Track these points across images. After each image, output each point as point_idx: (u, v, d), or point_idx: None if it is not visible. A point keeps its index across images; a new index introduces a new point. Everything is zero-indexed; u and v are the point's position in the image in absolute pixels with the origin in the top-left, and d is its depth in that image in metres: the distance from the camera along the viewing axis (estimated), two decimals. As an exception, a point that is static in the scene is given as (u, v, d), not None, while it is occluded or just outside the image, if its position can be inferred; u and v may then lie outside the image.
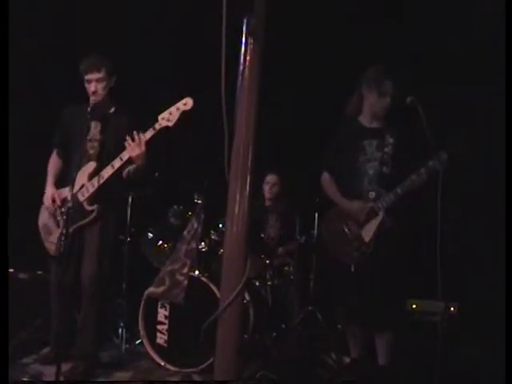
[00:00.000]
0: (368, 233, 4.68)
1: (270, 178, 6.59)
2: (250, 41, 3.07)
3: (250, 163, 3.00)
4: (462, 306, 5.67)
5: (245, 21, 3.08)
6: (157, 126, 4.50)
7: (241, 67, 3.08)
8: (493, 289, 5.88)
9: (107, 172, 4.60)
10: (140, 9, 6.31)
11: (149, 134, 4.53)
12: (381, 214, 4.66)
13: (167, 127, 4.49)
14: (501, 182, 5.07)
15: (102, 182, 4.60)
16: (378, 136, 4.79)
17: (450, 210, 4.38)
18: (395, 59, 5.60)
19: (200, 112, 4.54)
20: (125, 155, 4.55)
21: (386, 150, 4.75)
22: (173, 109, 4.49)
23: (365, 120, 4.88)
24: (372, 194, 4.71)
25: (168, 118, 4.46)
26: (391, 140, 4.77)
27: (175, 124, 4.47)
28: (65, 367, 4.31)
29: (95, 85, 4.63)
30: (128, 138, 4.50)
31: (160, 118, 4.50)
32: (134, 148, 4.50)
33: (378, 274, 4.59)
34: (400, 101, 4.45)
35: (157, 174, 5.61)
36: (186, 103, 4.47)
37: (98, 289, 4.65)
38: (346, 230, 4.76)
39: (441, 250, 4.08)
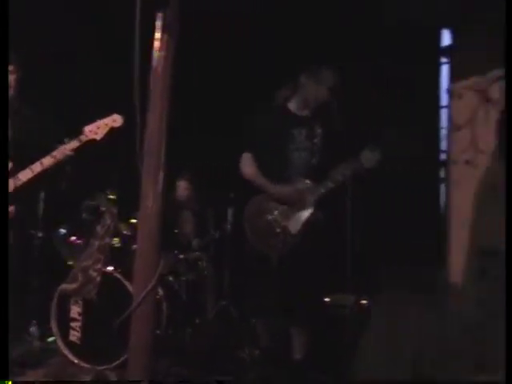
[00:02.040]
0: (295, 225, 4.63)
1: (181, 184, 6.56)
2: (164, 36, 3.07)
3: (162, 159, 3.00)
4: (372, 298, 5.78)
5: (159, 16, 3.08)
6: (83, 138, 4.47)
7: (154, 63, 3.08)
8: (402, 281, 6.04)
9: (26, 175, 4.51)
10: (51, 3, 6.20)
11: (73, 145, 4.49)
12: (310, 207, 4.64)
13: (94, 140, 4.47)
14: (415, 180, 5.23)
15: (19, 184, 4.51)
16: (308, 125, 4.76)
17: (363, 205, 4.47)
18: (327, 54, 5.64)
19: (114, 105, 4.52)
20: (47, 161, 4.48)
21: (316, 140, 4.75)
22: (101, 123, 4.47)
23: (295, 108, 4.81)
24: (301, 185, 4.67)
25: (95, 131, 4.44)
26: (320, 130, 4.76)
27: (102, 139, 4.45)
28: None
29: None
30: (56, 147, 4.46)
31: (87, 130, 4.46)
32: (55, 157, 4.46)
33: (302, 268, 4.58)
34: (336, 93, 4.50)
35: (69, 169, 5.52)
36: (116, 120, 4.47)
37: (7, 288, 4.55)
38: (272, 220, 4.68)
39: (351, 243, 4.17)
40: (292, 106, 4.81)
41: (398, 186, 6.14)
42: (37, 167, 4.49)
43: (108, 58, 6.22)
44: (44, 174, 4.55)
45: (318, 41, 6.10)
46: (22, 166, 4.52)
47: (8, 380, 3.22)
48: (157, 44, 3.08)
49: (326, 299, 5.75)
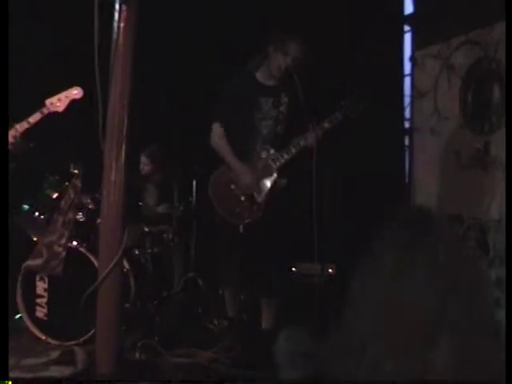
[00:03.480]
0: (260, 193, 4.64)
1: (141, 159, 6.51)
2: (124, 7, 3.04)
3: (125, 132, 2.98)
4: (339, 266, 5.82)
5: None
6: (45, 111, 4.52)
7: (115, 35, 3.04)
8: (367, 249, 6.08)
9: None
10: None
11: (36, 117, 4.51)
12: (274, 174, 4.64)
13: (56, 113, 4.49)
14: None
15: None
16: (274, 94, 4.76)
17: (327, 171, 4.48)
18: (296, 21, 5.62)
19: (76, 78, 4.53)
20: (11, 133, 4.49)
21: (282, 108, 4.75)
22: (62, 96, 4.51)
23: (262, 77, 4.81)
24: (265, 154, 4.69)
25: (57, 103, 4.51)
26: (286, 99, 4.75)
27: (64, 110, 4.49)
28: None
29: None
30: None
31: (48, 102, 4.50)
32: (18, 130, 4.50)
33: (269, 237, 4.60)
34: (300, 63, 4.51)
35: (32, 145, 5.49)
36: (77, 92, 4.52)
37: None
38: (237, 190, 4.68)
39: (317, 212, 4.18)
40: (259, 75, 4.82)
41: (363, 154, 6.16)
42: None
43: (69, 32, 6.12)
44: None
45: (282, 8, 6.07)
46: None
47: (8, 380, 3.19)
48: (116, 15, 3.05)
49: (293, 269, 5.79)
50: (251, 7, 6.24)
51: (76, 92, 4.51)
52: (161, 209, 6.41)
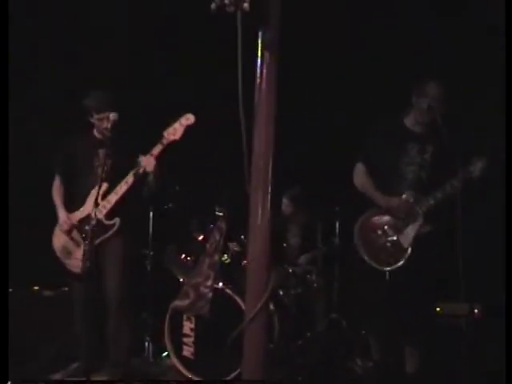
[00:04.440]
0: (407, 239, 4.64)
1: (283, 201, 6.60)
2: (266, 54, 3.11)
3: (270, 174, 3.03)
4: (485, 308, 5.65)
5: (260, 34, 3.12)
6: (164, 141, 4.81)
7: (257, 80, 3.11)
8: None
9: (121, 188, 4.84)
10: (148, 25, 6.37)
11: (157, 149, 4.82)
12: (420, 219, 4.64)
13: (174, 141, 4.80)
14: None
15: (118, 197, 4.83)
16: (420, 141, 4.79)
17: (475, 212, 4.39)
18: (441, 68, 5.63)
19: (219, 124, 4.70)
20: (138, 170, 4.82)
21: (426, 156, 4.78)
22: (176, 125, 4.81)
23: (409, 123, 4.86)
24: (411, 198, 4.69)
25: (173, 133, 4.79)
26: (431, 148, 4.77)
27: (181, 138, 4.78)
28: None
29: (107, 123, 4.85)
30: (141, 156, 4.82)
31: (165, 133, 4.81)
32: (146, 161, 4.80)
33: (415, 282, 4.58)
34: (441, 103, 4.51)
35: (177, 188, 5.70)
36: (188, 118, 4.81)
37: (125, 298, 4.80)
38: (383, 235, 4.73)
39: (464, 251, 4.09)
40: (407, 121, 4.84)
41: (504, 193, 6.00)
42: (130, 179, 4.84)
43: (212, 77, 6.33)
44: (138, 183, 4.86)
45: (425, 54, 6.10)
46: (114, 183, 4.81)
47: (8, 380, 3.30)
48: (259, 61, 3.12)
49: (438, 309, 5.66)
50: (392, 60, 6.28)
51: (189, 119, 4.80)
52: (303, 257, 6.45)
